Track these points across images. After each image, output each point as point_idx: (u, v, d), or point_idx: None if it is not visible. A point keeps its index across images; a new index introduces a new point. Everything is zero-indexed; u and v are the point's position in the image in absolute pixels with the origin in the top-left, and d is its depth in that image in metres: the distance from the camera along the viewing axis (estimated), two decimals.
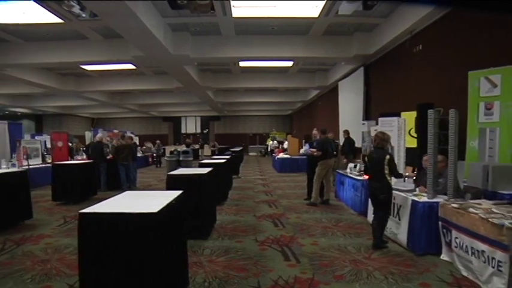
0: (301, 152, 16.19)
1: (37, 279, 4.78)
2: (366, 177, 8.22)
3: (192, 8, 10.02)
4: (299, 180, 13.86)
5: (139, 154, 19.25)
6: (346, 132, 12.97)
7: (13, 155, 13.57)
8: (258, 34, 12.26)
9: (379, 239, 5.80)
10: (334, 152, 10.04)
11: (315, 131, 10.32)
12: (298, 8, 10.25)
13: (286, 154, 19.61)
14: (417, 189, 6.17)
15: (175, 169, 9.35)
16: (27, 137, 17.20)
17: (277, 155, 20.37)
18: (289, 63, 16.44)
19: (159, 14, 10.23)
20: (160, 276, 3.32)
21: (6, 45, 12.77)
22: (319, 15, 10.61)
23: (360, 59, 13.00)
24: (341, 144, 13.37)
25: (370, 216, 6.78)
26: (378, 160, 5.74)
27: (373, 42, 11.91)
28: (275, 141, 22.00)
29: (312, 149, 9.80)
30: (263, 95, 25.17)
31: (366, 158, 6.77)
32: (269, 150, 19.35)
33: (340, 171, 10.23)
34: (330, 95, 19.49)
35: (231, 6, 9.81)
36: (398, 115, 8.58)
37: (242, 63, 16.26)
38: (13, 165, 12.32)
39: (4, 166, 11.82)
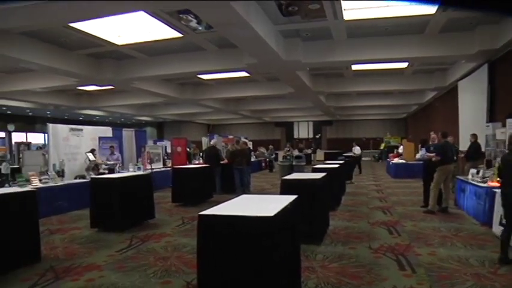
0: (417, 156, 15.39)
1: (158, 274, 5.13)
2: (491, 184, 7.59)
3: (303, 14, 10.08)
4: (415, 187, 13.20)
5: (252, 159, 19.75)
6: (474, 136, 11.94)
7: (138, 159, 14.76)
8: (371, 36, 11.91)
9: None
10: (454, 157, 9.40)
11: (433, 135, 9.74)
12: (413, 6, 9.79)
13: (401, 159, 18.81)
14: None
15: (288, 174, 9.45)
16: (150, 142, 18.65)
17: (392, 160, 19.64)
18: (404, 65, 15.76)
19: (270, 22, 10.43)
20: (274, 279, 3.36)
21: (134, 61, 13.98)
22: (436, 11, 10.03)
23: (483, 55, 11.95)
24: (459, 148, 12.44)
25: (497, 227, 6.22)
26: None
27: (500, 36, 10.80)
28: (357, 147, 21.09)
29: (429, 154, 9.27)
30: (376, 99, 24.40)
31: (499, 163, 6.17)
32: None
33: (460, 178, 9.55)
34: (448, 96, 18.27)
35: (342, 9, 9.68)
36: None
37: (354, 67, 15.95)
38: (138, 168, 13.37)
39: (131, 169, 12.90)
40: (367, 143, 36.83)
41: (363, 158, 33.49)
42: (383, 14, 10.10)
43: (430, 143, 9.73)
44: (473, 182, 8.50)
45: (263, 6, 9.46)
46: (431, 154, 9.06)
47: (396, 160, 18.96)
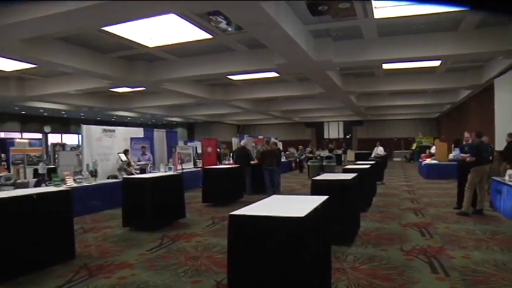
0: (450, 157, 15.06)
1: (189, 273, 5.19)
2: None
3: (333, 14, 10.00)
4: (448, 188, 12.91)
5: (283, 159, 19.70)
6: (511, 135, 11.61)
7: (169, 160, 14.95)
8: (402, 34, 11.70)
9: None
10: (490, 158, 9.14)
11: (466, 135, 9.48)
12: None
13: (434, 159, 18.43)
14: None
15: (318, 174, 9.40)
16: (181, 143, 18.82)
17: (424, 160, 19.28)
18: (437, 63, 15.43)
19: (300, 22, 10.38)
20: (304, 280, 3.35)
21: (164, 63, 14.17)
22: None
23: None
24: (495, 148, 12.06)
25: None
26: None
27: None
28: (380, 147, 20.83)
29: (463, 154, 9.04)
30: (408, 98, 23.94)
31: None
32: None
33: (496, 179, 9.28)
34: (484, 95, 17.77)
35: (373, 7, 9.56)
36: None
37: (385, 66, 15.70)
38: (169, 168, 13.54)
39: (162, 169, 13.08)
40: (398, 143, 36.28)
41: (394, 159, 33.25)
42: (415, 12, 9.91)
43: (464, 143, 9.49)
44: (510, 183, 8.25)
45: (293, 6, 9.43)
46: (466, 155, 8.83)
47: (428, 161, 18.58)
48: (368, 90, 20.08)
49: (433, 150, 20.28)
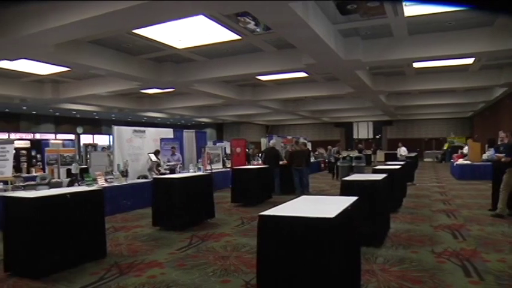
0: (484, 157, 14.68)
1: (218, 273, 5.21)
2: None
3: (362, 12, 9.89)
4: (481, 189, 12.59)
5: (312, 159, 19.59)
6: None
7: (199, 160, 15.07)
8: (433, 32, 11.44)
9: None
10: None
11: (502, 134, 9.19)
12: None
13: (466, 160, 18.00)
14: None
15: (347, 175, 9.31)
16: (210, 143, 18.98)
17: (456, 161, 18.85)
18: (470, 60, 15.03)
19: (329, 21, 10.31)
20: (334, 280, 3.32)
21: (193, 64, 14.30)
22: None
23: None
24: None
25: None
26: None
27: None
28: (403, 148, 20.37)
29: (498, 155, 8.78)
30: (439, 97, 23.44)
31: None
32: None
33: None
34: None
35: (403, 5, 9.40)
36: None
37: (416, 64, 15.43)
38: (199, 169, 13.64)
39: (192, 170, 13.19)
40: (429, 143, 35.60)
41: (424, 159, 32.62)
42: (446, 8, 9.69)
43: (499, 142, 9.22)
44: None
45: (321, 6, 9.38)
46: (501, 155, 8.57)
47: (461, 161, 18.16)
48: (398, 89, 19.77)
49: (465, 150, 19.84)
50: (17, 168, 13.85)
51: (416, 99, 24.27)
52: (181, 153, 14.14)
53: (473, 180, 15.62)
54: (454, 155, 21.50)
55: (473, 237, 6.86)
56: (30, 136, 25.55)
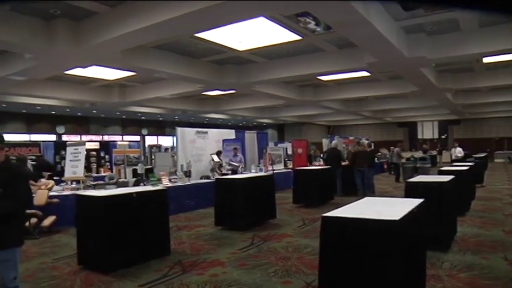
0: None
1: (279, 273, 5.21)
2: None
3: (426, 7, 9.53)
4: None
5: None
6: None
7: (260, 161, 15.16)
8: (507, 23, 10.73)
9: None
10: None
11: None
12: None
13: None
14: None
15: (411, 176, 9.01)
16: (271, 144, 19.02)
17: None
18: None
19: (391, 18, 10.03)
20: (398, 285, 3.22)
21: (255, 66, 14.40)
22: None
23: None
24: None
25: None
26: None
27: None
28: (458, 148, 18.90)
29: None
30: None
31: None
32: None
33: None
34: None
35: None
36: None
37: (486, 59, 14.60)
38: (260, 169, 13.73)
39: (253, 170, 13.29)
40: (500, 143, 33.66)
41: (494, 160, 30.92)
42: None
43: None
44: None
45: (383, 3, 9.13)
46: None
47: None
48: (466, 86, 18.79)
49: None
50: (87, 168, 14.56)
51: (486, 96, 22.96)
52: (243, 154, 14.28)
53: None
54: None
55: None
56: (99, 138, 26.90)
